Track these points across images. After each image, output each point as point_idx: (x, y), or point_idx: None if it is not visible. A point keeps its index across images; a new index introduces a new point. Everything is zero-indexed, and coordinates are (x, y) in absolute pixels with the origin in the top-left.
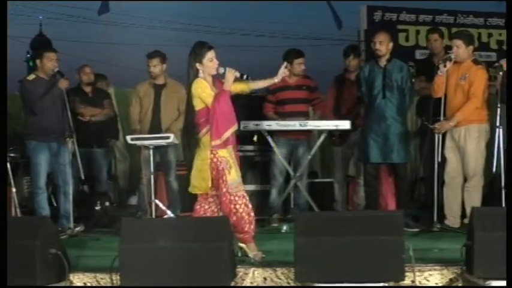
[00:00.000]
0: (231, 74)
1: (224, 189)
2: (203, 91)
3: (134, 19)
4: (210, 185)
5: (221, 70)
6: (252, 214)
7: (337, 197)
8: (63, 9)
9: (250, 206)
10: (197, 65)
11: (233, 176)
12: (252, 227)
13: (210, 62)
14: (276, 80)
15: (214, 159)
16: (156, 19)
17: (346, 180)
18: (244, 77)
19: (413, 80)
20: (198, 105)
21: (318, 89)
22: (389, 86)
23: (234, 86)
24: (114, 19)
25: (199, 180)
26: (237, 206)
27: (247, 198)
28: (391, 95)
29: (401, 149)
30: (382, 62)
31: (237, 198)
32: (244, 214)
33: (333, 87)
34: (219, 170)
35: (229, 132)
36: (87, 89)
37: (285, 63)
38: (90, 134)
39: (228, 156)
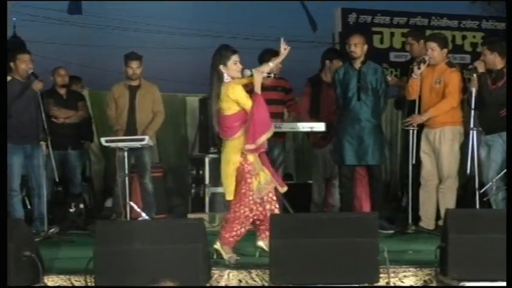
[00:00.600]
0: (258, 75)
1: (248, 193)
2: (240, 95)
3: (109, 21)
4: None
5: (247, 72)
6: (258, 222)
7: (315, 198)
8: (38, 11)
9: (267, 213)
10: (221, 67)
11: (258, 182)
12: (240, 232)
13: (234, 64)
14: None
15: (243, 163)
16: (131, 21)
17: (325, 182)
18: (272, 74)
19: (389, 80)
20: (231, 108)
21: (293, 90)
22: (364, 88)
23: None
24: (89, 21)
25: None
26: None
27: (273, 205)
28: (366, 97)
29: (376, 151)
30: (357, 64)
31: (258, 205)
32: (247, 218)
33: (308, 88)
34: (244, 174)
35: (265, 137)
36: (62, 91)
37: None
38: (64, 136)
39: (255, 162)
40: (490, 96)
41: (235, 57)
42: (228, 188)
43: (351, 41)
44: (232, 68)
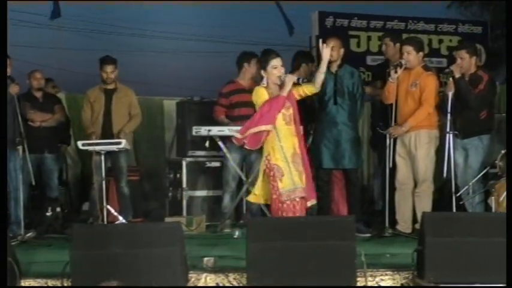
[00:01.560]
0: (289, 79)
1: (274, 196)
2: (259, 98)
3: (86, 24)
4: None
5: (284, 78)
6: None
7: None
8: (14, 14)
9: (297, 213)
10: (262, 72)
11: (285, 183)
12: None
13: (274, 69)
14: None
15: (268, 165)
16: (107, 24)
17: None
18: (300, 80)
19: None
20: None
21: None
22: (341, 92)
23: (300, 89)
24: (68, 24)
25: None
26: (284, 214)
27: (299, 205)
28: (343, 101)
29: (352, 154)
30: (333, 68)
31: (285, 205)
32: None
33: None
34: (268, 177)
35: (254, 130)
36: (38, 94)
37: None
38: (40, 140)
39: (280, 165)
40: (474, 100)
41: (275, 62)
42: (257, 191)
43: (327, 44)
44: (271, 72)
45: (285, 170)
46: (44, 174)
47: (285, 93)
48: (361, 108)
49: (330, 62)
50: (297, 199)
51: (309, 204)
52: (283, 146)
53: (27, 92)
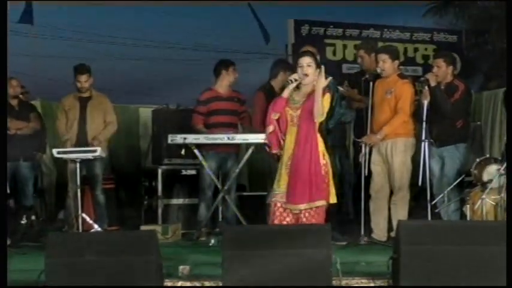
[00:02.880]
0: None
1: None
2: None
3: (61, 32)
4: None
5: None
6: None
7: None
8: None
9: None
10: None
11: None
12: None
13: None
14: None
15: None
16: (83, 32)
17: None
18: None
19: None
20: None
21: (246, 102)
22: None
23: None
24: (41, 31)
25: None
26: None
27: (278, 211)
28: None
29: None
30: None
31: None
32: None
33: (262, 96)
34: None
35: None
36: (14, 102)
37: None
38: (16, 148)
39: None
40: (450, 109)
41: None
42: None
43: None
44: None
45: (278, 170)
46: (19, 182)
47: (283, 94)
48: (337, 115)
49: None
50: (278, 204)
51: (305, 206)
52: (284, 147)
53: None
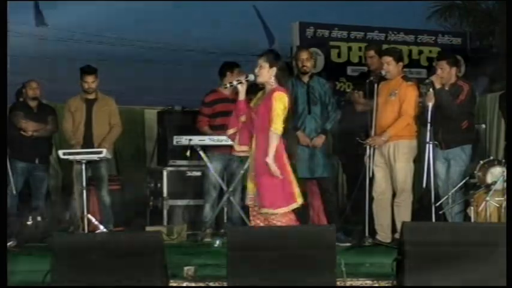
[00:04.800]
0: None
1: None
2: None
3: (70, 34)
4: None
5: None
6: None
7: None
8: None
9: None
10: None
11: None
12: None
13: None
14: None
15: None
16: (87, 33)
17: None
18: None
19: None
20: None
21: None
22: (314, 102)
23: None
24: (51, 33)
25: None
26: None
27: (252, 214)
28: (316, 110)
29: (327, 164)
30: (305, 79)
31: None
32: None
33: None
34: None
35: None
36: (33, 104)
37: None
38: (32, 149)
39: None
40: (456, 110)
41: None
42: None
43: (302, 56)
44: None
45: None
46: (32, 183)
47: (241, 97)
48: (335, 117)
49: (304, 73)
50: (250, 207)
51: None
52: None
53: (22, 102)
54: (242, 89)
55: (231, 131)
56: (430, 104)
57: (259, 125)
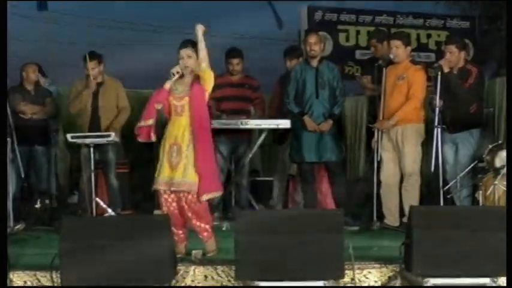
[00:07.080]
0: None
1: None
2: None
3: (76, 18)
4: None
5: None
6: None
7: (275, 194)
8: None
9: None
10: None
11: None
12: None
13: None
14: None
15: None
16: (95, 17)
17: (287, 178)
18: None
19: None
20: None
21: (260, 88)
22: (322, 86)
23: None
24: (56, 17)
25: None
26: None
27: (170, 198)
28: (324, 94)
29: (335, 147)
30: (314, 63)
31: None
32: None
33: (278, 86)
34: None
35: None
36: (30, 87)
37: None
38: (31, 132)
39: (160, 152)
40: (465, 94)
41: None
42: None
43: (311, 39)
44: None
45: (160, 159)
46: (34, 166)
47: (166, 86)
48: (343, 101)
49: (313, 57)
50: (168, 192)
51: (205, 197)
52: (166, 136)
53: (19, 85)
54: (173, 80)
55: (150, 122)
56: (439, 88)
57: (194, 108)
